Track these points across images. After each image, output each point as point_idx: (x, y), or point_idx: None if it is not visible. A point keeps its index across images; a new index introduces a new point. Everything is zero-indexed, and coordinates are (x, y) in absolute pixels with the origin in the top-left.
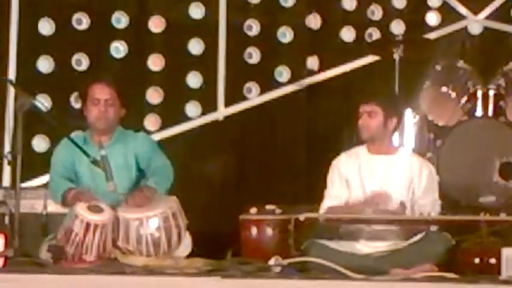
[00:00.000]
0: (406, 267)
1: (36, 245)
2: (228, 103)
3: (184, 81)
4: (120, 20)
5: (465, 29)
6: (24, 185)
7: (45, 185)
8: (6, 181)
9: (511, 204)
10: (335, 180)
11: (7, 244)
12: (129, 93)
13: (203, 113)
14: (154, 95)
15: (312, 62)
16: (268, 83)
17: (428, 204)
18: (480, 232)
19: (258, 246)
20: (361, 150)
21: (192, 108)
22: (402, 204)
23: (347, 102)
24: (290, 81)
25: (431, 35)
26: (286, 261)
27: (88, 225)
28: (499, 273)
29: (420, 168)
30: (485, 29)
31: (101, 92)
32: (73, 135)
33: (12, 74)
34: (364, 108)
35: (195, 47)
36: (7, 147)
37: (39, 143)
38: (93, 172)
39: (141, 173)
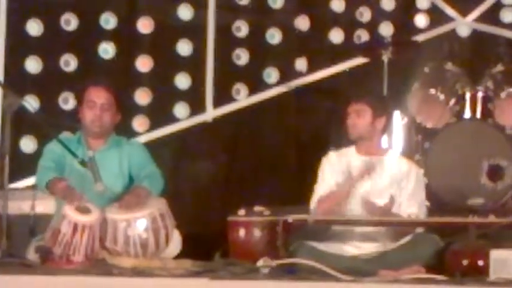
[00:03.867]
0: (395, 268)
1: (23, 246)
2: (216, 104)
3: (173, 83)
4: (109, 20)
5: (454, 31)
6: (11, 185)
7: (33, 186)
8: None
9: (499, 207)
10: (326, 173)
11: None
12: (117, 94)
13: (192, 114)
14: (142, 96)
15: (301, 63)
16: (256, 85)
17: (415, 206)
18: (468, 234)
19: (246, 248)
20: (350, 151)
21: (181, 109)
22: (391, 199)
23: (335, 103)
24: (279, 83)
25: (420, 37)
26: (274, 263)
27: (76, 225)
28: (487, 275)
29: (408, 170)
30: (474, 31)
31: (98, 96)
32: (67, 135)
33: (0, 74)
34: (353, 107)
35: (184, 48)
36: None
37: (27, 144)
38: (85, 173)
39: (132, 181)
